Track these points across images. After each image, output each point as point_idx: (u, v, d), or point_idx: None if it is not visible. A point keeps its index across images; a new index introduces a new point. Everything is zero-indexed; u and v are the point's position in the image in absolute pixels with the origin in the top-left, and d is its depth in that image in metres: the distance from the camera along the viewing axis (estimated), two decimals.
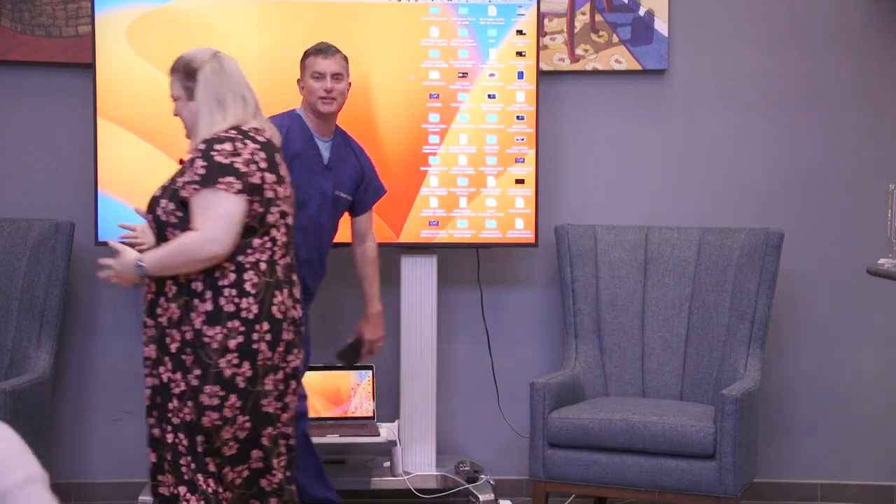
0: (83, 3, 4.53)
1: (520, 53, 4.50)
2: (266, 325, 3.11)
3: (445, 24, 4.47)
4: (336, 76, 3.90)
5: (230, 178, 3.06)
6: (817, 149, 4.74)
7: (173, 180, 3.17)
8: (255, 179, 3.10)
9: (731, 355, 4.35)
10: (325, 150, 3.94)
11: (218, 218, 3.04)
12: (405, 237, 4.45)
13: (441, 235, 4.48)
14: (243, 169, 3.08)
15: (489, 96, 4.49)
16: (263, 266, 3.13)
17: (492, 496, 4.38)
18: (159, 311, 3.15)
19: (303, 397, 3.85)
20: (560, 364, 4.54)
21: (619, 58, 4.71)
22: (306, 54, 3.94)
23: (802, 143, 4.73)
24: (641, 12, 4.69)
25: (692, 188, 4.76)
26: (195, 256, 3.05)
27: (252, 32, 4.43)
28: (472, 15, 4.48)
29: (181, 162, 3.22)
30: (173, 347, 3.11)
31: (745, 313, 4.35)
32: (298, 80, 3.98)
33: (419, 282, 4.26)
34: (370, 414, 4.52)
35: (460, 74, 4.49)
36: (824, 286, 4.72)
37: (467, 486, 4.44)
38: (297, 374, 3.29)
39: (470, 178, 4.51)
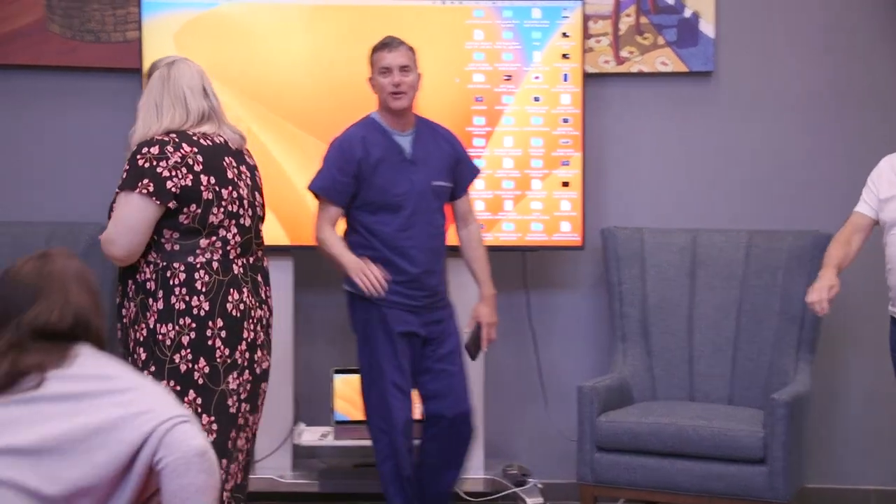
0: (131, 9, 4.58)
1: (565, 56, 4.50)
2: (220, 322, 3.19)
3: (490, 26, 4.47)
4: (404, 69, 3.86)
5: (146, 181, 3.16)
6: (865, 150, 4.68)
7: None
8: (185, 182, 3.18)
9: (781, 359, 4.33)
10: (407, 144, 3.91)
11: (117, 221, 3.21)
12: (450, 240, 4.44)
13: (487, 238, 4.47)
14: (165, 174, 3.16)
15: (534, 99, 4.49)
16: (216, 265, 3.22)
17: (540, 500, 4.38)
18: (123, 311, 3.28)
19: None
20: (607, 367, 4.53)
21: (665, 60, 4.69)
22: (373, 51, 3.92)
23: (850, 144, 4.69)
24: (687, 14, 4.67)
25: (739, 191, 4.74)
26: (105, 255, 3.24)
27: (297, 37, 4.45)
28: (516, 18, 4.48)
29: None
30: (132, 346, 3.23)
31: (794, 317, 4.33)
32: (369, 79, 3.94)
33: (465, 285, 4.25)
34: (418, 416, 4.52)
35: (505, 77, 4.49)
36: (874, 288, 4.66)
37: (515, 489, 4.44)
38: (266, 376, 3.38)
39: (515, 181, 4.51)
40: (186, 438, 2.08)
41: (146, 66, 4.31)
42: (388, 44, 3.88)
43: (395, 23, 4.42)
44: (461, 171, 4.01)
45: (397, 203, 3.83)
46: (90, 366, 2.19)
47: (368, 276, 3.74)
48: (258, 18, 4.44)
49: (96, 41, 4.62)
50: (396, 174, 3.85)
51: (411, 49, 3.92)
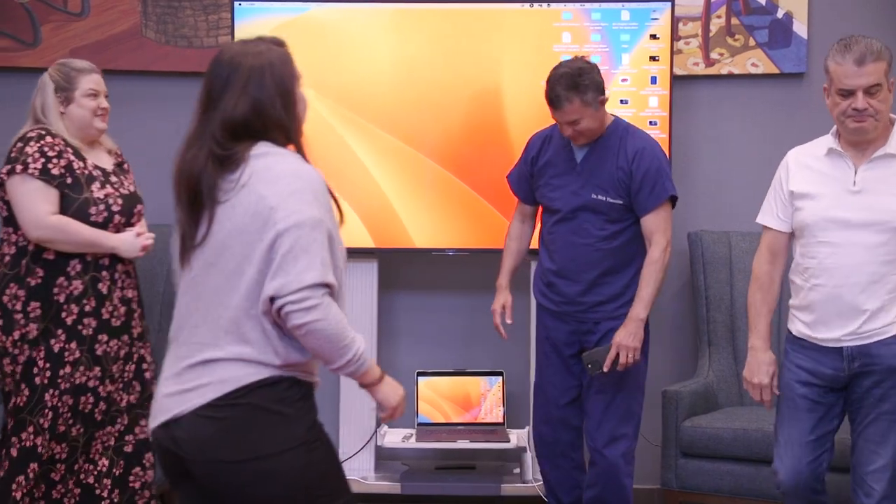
0: (223, 15, 4.66)
1: (653, 58, 4.45)
2: None
3: (578, 29, 4.45)
4: (572, 123, 3.71)
5: None
6: None
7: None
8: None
9: None
10: (580, 154, 3.83)
11: None
12: (533, 242, 4.42)
13: None
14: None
15: (621, 101, 4.45)
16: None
17: None
18: None
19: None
20: (692, 372, 4.49)
21: (756, 61, 4.62)
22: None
23: None
24: (780, 14, 4.60)
25: None
26: None
27: (385, 41, 4.49)
28: (604, 20, 4.46)
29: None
30: None
31: None
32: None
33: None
34: (500, 420, 4.52)
35: None
36: None
37: None
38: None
39: None
40: None
41: None
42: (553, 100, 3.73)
43: (483, 25, 4.44)
44: (639, 194, 3.76)
45: (552, 207, 3.85)
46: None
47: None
48: (347, 23, 4.49)
49: (189, 46, 4.71)
50: (558, 180, 3.84)
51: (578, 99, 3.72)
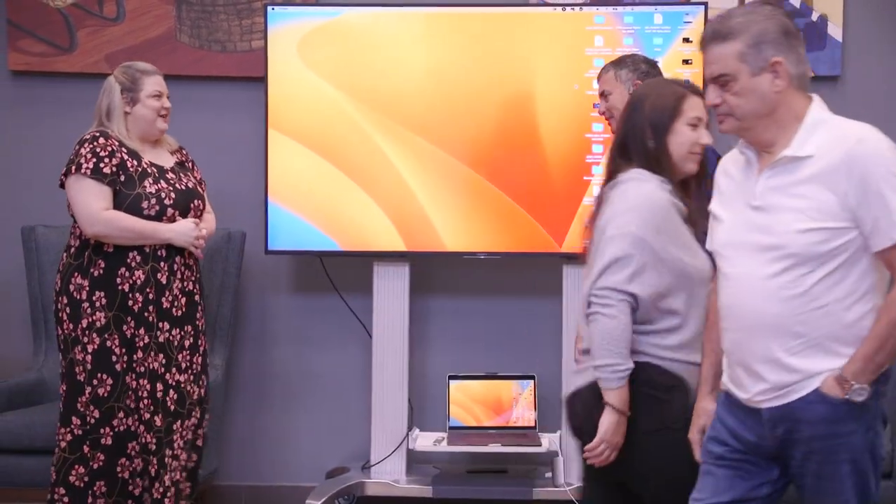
0: (257, 19, 4.69)
1: (686, 62, 4.43)
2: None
3: (610, 32, 4.44)
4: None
5: None
6: None
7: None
8: None
9: None
10: None
11: None
12: (567, 247, 4.42)
13: None
14: None
15: None
16: None
17: None
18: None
19: None
20: None
21: None
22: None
23: None
24: (814, 17, 4.58)
25: None
26: None
27: (417, 45, 4.49)
28: (637, 23, 4.44)
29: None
30: None
31: None
32: None
33: (581, 291, 4.21)
34: (532, 424, 4.51)
35: None
36: None
37: None
38: None
39: None
40: None
41: (270, 74, 4.47)
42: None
43: (515, 29, 4.45)
44: None
45: None
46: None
47: None
48: (379, 27, 4.50)
49: (223, 51, 4.75)
50: None
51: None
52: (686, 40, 4.42)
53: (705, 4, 4.43)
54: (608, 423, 2.70)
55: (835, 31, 4.57)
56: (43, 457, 3.83)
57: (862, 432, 2.36)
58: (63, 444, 3.68)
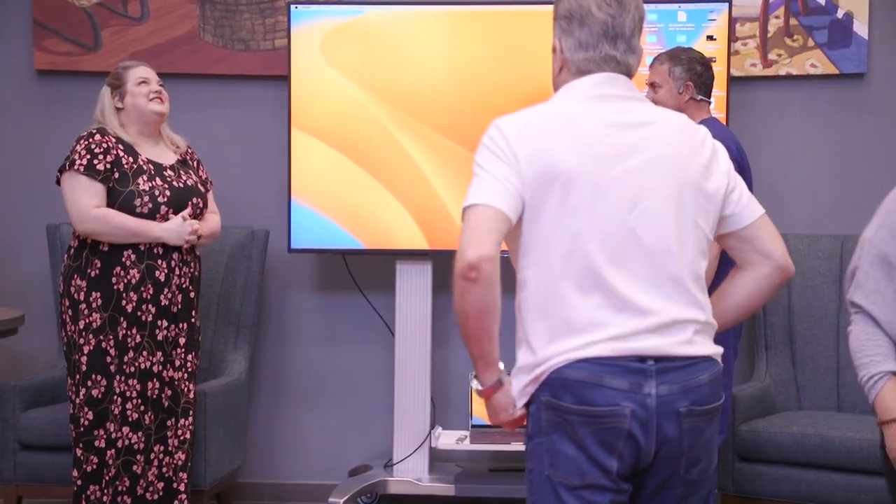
0: (280, 18, 4.72)
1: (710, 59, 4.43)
2: None
3: None
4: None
5: None
6: None
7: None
8: None
9: None
10: None
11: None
12: None
13: None
14: None
15: None
16: None
17: None
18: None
19: None
20: (749, 376, 4.48)
21: (815, 62, 4.60)
22: None
23: None
24: (840, 14, 4.58)
25: None
26: None
27: (438, 43, 4.52)
28: (661, 21, 4.44)
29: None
30: None
31: None
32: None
33: None
34: None
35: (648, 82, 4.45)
36: None
37: None
38: None
39: None
40: None
41: (293, 73, 4.50)
42: None
43: (537, 26, 4.44)
44: None
45: None
46: None
47: None
48: (401, 25, 4.53)
49: (246, 49, 4.78)
50: None
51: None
52: (710, 38, 4.43)
53: (729, 2, 4.44)
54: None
55: (860, 28, 4.57)
56: (67, 454, 3.85)
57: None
58: (72, 445, 3.72)
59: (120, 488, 3.69)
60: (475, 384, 2.25)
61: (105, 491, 3.68)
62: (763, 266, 2.33)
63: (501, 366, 2.25)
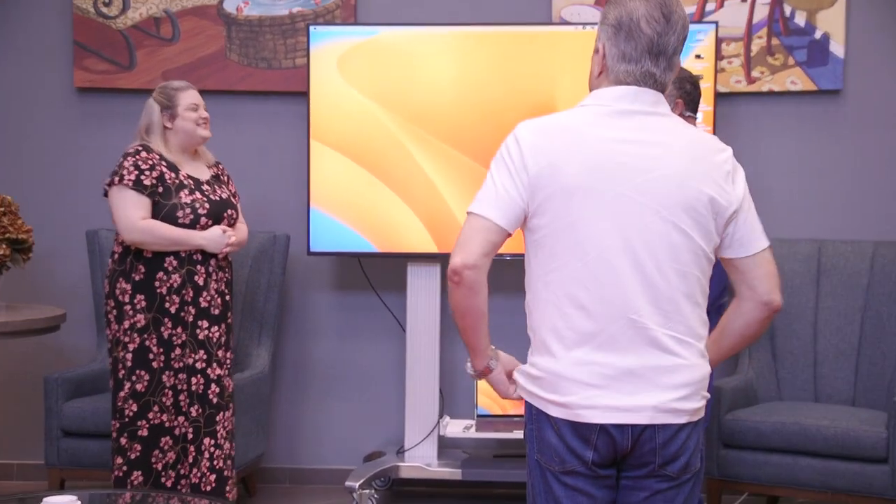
0: (300, 38, 4.88)
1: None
2: None
3: None
4: None
5: None
6: None
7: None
8: None
9: None
10: None
11: None
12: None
13: None
14: None
15: None
16: None
17: None
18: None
19: None
20: (734, 369, 4.57)
21: (795, 79, 4.79)
22: None
23: None
24: (818, 35, 4.76)
25: (865, 204, 4.77)
26: None
27: (448, 60, 4.64)
28: None
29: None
30: None
31: None
32: None
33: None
34: None
35: None
36: None
37: None
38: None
39: None
40: None
41: (312, 89, 4.59)
42: None
43: (539, 47, 4.59)
44: None
45: None
46: None
47: None
48: (415, 45, 4.64)
49: (269, 68, 4.95)
50: None
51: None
52: (698, 56, 4.57)
53: (716, 23, 4.61)
54: None
55: (836, 48, 4.74)
56: (107, 440, 4.01)
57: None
58: (114, 435, 3.88)
59: (182, 471, 3.87)
60: (468, 368, 2.44)
61: (165, 473, 3.83)
62: (749, 299, 2.31)
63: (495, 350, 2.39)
